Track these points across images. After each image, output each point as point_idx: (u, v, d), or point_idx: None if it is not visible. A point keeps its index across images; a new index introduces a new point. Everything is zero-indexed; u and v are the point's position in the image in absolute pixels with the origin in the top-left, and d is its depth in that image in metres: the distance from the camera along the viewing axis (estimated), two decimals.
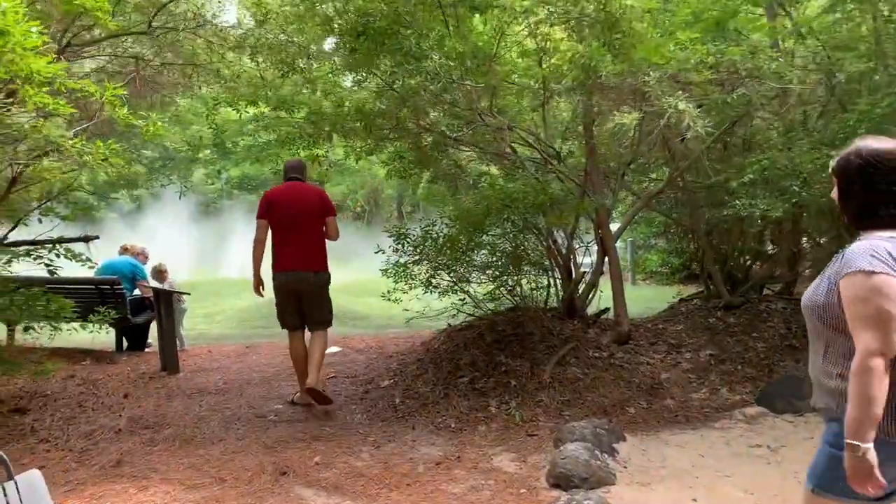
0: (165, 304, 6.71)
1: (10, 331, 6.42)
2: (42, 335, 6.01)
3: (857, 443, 1.69)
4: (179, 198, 7.90)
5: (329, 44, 6.75)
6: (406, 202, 29.58)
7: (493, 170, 7.03)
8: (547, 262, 6.59)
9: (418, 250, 6.03)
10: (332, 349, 7.53)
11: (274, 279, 5.36)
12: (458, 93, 5.77)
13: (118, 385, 6.14)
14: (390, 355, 6.91)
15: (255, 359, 7.29)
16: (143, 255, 8.14)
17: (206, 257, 16.74)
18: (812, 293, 1.94)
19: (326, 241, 5.47)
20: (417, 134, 6.40)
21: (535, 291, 6.62)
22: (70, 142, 4.05)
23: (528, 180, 5.76)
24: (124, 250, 8.07)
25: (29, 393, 5.79)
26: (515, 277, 6.39)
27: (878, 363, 1.69)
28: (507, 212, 5.58)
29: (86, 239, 5.81)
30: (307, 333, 5.44)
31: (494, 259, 6.32)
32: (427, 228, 5.95)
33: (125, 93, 4.70)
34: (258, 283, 5.37)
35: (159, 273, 7.91)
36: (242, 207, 25.18)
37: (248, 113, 6.90)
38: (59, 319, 5.63)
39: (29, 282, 6.30)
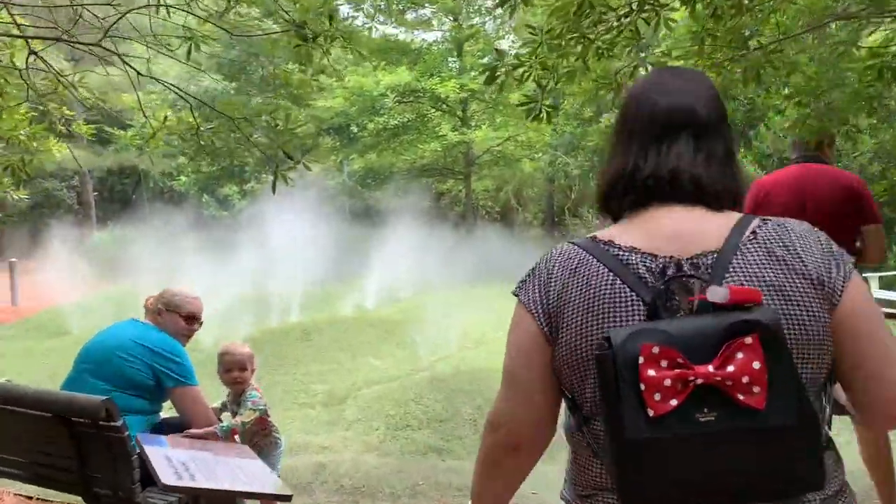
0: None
1: None
2: None
3: None
4: (273, 192, 5.00)
5: None
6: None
7: None
8: None
9: None
10: None
11: None
12: None
13: None
14: None
15: None
16: (178, 315, 3.23)
17: (329, 279, 12.43)
18: None
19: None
20: None
21: None
22: None
23: None
24: (146, 312, 3.35)
25: None
26: None
27: None
28: None
29: None
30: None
31: None
32: None
33: None
34: None
35: (233, 373, 3.32)
36: (373, 209, 21.14)
37: None
38: None
39: None
